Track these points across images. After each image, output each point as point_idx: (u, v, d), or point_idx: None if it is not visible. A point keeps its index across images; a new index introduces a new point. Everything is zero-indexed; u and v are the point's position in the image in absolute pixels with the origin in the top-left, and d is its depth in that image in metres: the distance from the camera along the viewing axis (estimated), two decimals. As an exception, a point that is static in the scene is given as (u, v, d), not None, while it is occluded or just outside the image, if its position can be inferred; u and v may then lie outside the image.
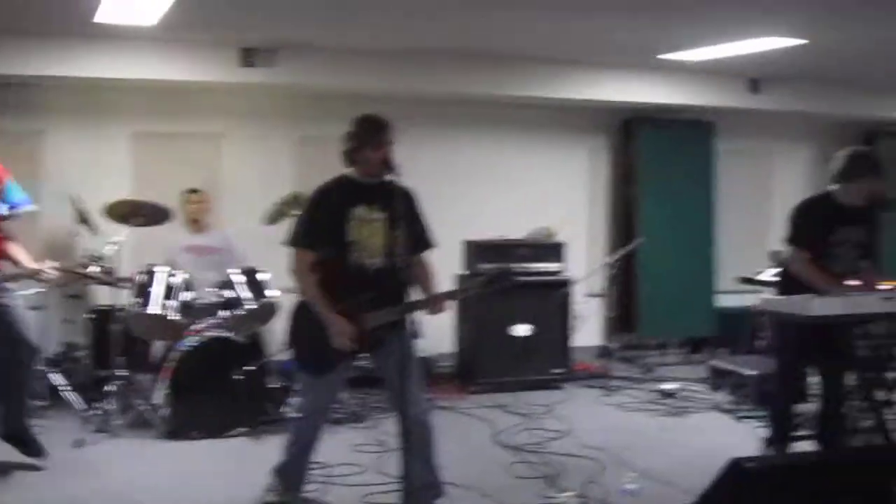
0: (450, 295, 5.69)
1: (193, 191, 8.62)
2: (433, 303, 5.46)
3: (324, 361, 5.47)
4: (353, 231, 5.33)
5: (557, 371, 9.36)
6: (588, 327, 10.42)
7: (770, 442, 6.75)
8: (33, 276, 6.38)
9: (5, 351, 6.32)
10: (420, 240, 5.55)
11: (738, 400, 8.45)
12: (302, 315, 5.48)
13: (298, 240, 5.49)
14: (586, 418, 8.11)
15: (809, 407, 6.81)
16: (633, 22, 7.69)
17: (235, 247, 8.52)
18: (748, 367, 8.57)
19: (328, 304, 5.30)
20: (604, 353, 10.10)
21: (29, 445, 6.44)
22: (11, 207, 6.34)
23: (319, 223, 5.42)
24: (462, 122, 10.36)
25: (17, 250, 6.39)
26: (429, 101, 10.03)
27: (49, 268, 6.35)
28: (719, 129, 11.17)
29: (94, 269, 7.29)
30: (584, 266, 10.43)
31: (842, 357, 6.27)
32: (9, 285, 6.29)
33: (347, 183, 5.54)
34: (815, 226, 6.32)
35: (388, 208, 5.35)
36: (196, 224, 8.56)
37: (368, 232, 5.37)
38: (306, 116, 9.79)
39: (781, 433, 6.69)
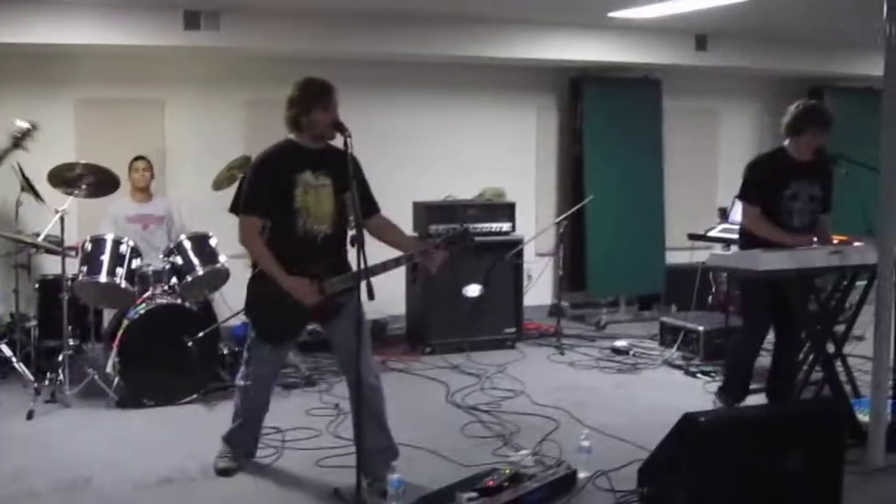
0: (426, 251, 5.56)
1: (138, 158, 8.52)
2: (427, 254, 5.42)
3: (283, 331, 5.46)
4: (300, 198, 5.28)
5: (509, 331, 9.40)
6: (539, 286, 10.47)
7: (725, 394, 6.88)
8: None
9: None
10: (371, 202, 5.51)
11: (689, 355, 8.54)
12: (258, 286, 5.44)
13: (244, 206, 5.43)
14: (539, 377, 8.15)
15: (760, 361, 6.89)
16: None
17: (182, 215, 8.47)
18: (698, 323, 8.66)
19: (282, 268, 5.26)
20: (555, 311, 10.14)
21: None
22: None
23: (264, 189, 5.35)
24: (409, 84, 10.31)
25: None
26: (375, 63, 9.97)
27: None
28: (666, 86, 11.19)
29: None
30: (535, 225, 10.47)
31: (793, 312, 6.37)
32: None
33: (291, 148, 5.46)
34: (765, 181, 6.42)
35: (333, 174, 5.30)
36: (141, 192, 8.48)
37: (315, 198, 5.31)
38: (252, 79, 9.68)
39: (739, 387, 6.82)
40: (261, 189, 5.38)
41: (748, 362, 6.82)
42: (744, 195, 6.55)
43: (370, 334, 5.79)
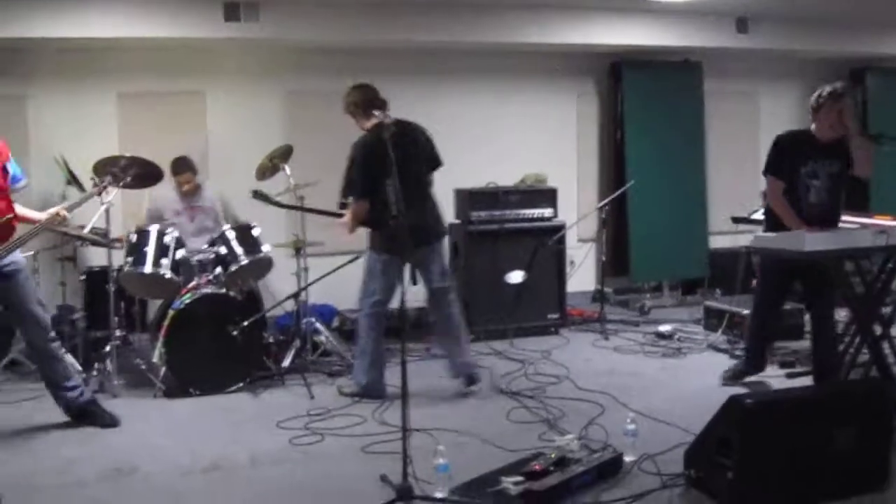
0: None
1: (181, 168, 8.50)
2: None
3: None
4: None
5: (553, 316, 9.39)
6: (582, 272, 10.45)
7: (734, 375, 7.19)
8: (53, 224, 6.32)
9: (24, 332, 6.41)
10: None
11: (733, 339, 8.49)
12: None
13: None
14: (583, 362, 8.14)
15: (804, 344, 6.87)
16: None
17: (228, 206, 8.52)
18: (742, 307, 8.60)
19: None
20: (598, 297, 10.11)
21: (96, 417, 6.46)
22: (16, 180, 6.30)
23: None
24: (449, 72, 10.30)
25: (23, 210, 6.35)
26: (415, 52, 9.98)
27: (61, 209, 6.32)
28: (707, 69, 11.12)
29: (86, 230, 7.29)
30: (576, 211, 10.45)
31: (830, 293, 6.50)
32: (19, 254, 6.23)
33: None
34: (786, 156, 6.57)
35: None
36: (186, 193, 8.53)
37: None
38: (292, 70, 9.75)
39: (749, 366, 7.13)
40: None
41: (759, 341, 7.09)
42: (766, 169, 6.70)
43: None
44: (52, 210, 6.30)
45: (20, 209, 6.29)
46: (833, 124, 6.44)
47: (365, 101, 6.91)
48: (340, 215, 7.07)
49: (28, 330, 6.32)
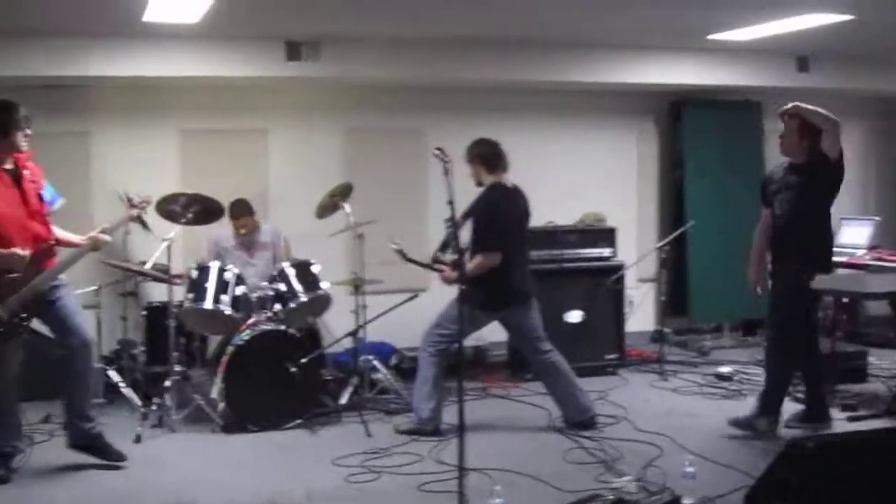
0: None
1: (239, 212, 8.49)
2: None
3: None
4: None
5: (611, 357, 9.34)
6: (641, 312, 10.38)
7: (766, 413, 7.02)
8: (93, 246, 6.39)
9: (62, 348, 6.36)
10: None
11: (794, 381, 8.37)
12: None
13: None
14: (642, 403, 8.08)
15: (868, 387, 6.79)
16: (683, 3, 7.61)
17: (287, 243, 8.56)
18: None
19: None
20: (657, 337, 10.04)
21: (103, 450, 6.44)
22: (51, 202, 6.39)
23: None
24: (509, 110, 10.30)
25: (63, 234, 6.43)
26: (474, 90, 10.00)
27: (99, 233, 6.37)
28: (767, 108, 11.04)
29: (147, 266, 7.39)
30: (635, 251, 10.40)
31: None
32: (62, 278, 6.31)
33: None
34: (766, 185, 7.19)
35: None
36: (244, 236, 8.59)
37: None
38: (353, 107, 9.80)
39: (772, 406, 7.00)
40: None
41: (786, 381, 7.14)
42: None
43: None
44: (92, 233, 6.37)
45: (59, 232, 6.39)
46: (781, 144, 6.88)
47: (494, 156, 7.24)
48: (442, 270, 7.15)
49: (73, 349, 6.26)
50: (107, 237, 6.40)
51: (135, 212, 6.80)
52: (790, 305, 6.77)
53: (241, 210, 8.47)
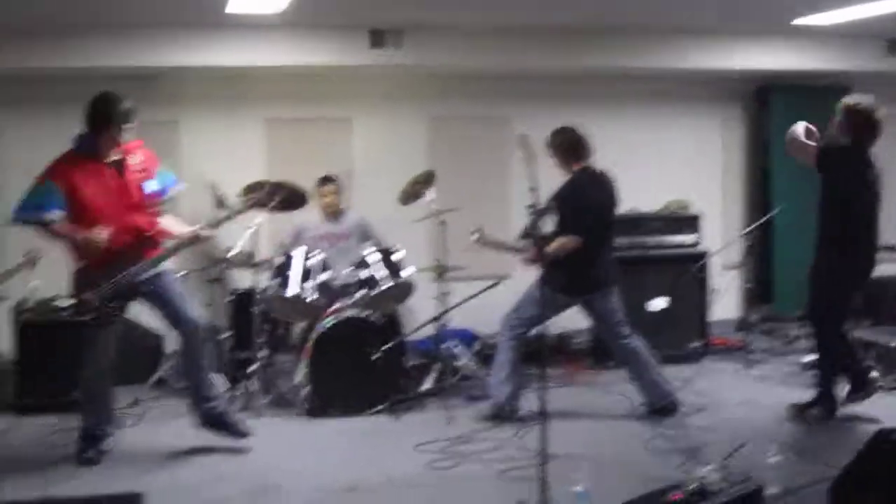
0: None
1: (326, 181, 8.65)
2: None
3: None
4: None
5: (695, 345, 9.26)
6: (725, 300, 10.28)
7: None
8: (194, 240, 6.51)
9: (176, 333, 6.58)
10: None
11: (883, 371, 8.23)
12: None
13: None
14: (726, 392, 8.01)
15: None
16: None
17: (371, 230, 8.60)
18: (893, 338, 8.35)
19: None
20: (742, 325, 9.95)
21: (229, 427, 6.57)
22: (163, 191, 6.51)
23: None
24: (593, 97, 10.25)
25: (171, 223, 6.56)
26: (558, 78, 9.97)
27: (202, 228, 6.49)
28: (857, 93, 10.84)
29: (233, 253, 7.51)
30: (720, 238, 10.29)
31: None
32: (167, 265, 6.45)
33: None
34: None
35: None
36: (331, 213, 8.67)
37: None
38: (436, 95, 9.83)
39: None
40: None
41: (832, 369, 7.18)
42: None
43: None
44: (195, 227, 6.48)
45: (166, 222, 6.52)
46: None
47: (576, 143, 7.24)
48: (525, 251, 7.17)
49: (185, 334, 6.45)
50: (209, 232, 6.52)
51: (236, 212, 6.87)
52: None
53: (327, 180, 8.63)
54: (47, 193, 6.01)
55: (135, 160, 6.29)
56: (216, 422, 6.54)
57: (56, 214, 5.99)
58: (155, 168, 6.44)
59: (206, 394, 6.53)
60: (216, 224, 6.56)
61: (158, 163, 6.52)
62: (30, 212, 6.03)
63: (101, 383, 6.40)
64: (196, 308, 6.52)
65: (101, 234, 5.98)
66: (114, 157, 6.19)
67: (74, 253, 6.15)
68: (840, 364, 7.06)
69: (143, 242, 6.27)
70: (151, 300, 6.41)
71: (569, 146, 7.19)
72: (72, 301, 6.32)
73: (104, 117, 6.06)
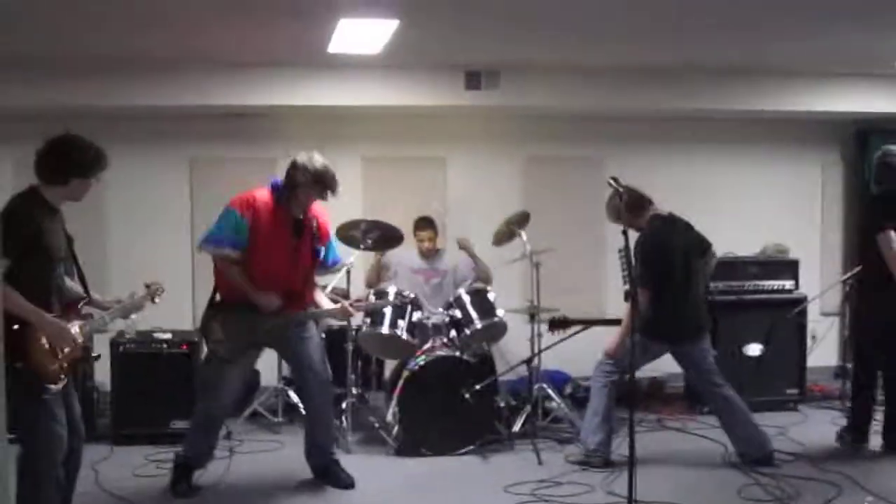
0: None
1: (424, 223, 8.71)
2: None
3: None
4: None
5: (791, 392, 9.09)
6: (823, 347, 10.09)
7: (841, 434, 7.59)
8: (342, 314, 6.79)
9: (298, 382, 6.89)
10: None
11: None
12: None
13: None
14: (822, 440, 7.84)
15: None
16: (870, 30, 7.42)
17: (465, 272, 8.62)
18: None
19: None
20: (840, 373, 9.76)
21: (338, 477, 6.63)
22: (333, 263, 6.67)
23: None
24: (689, 139, 10.20)
25: (318, 295, 6.73)
26: (654, 119, 9.94)
27: (351, 304, 6.73)
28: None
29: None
30: (817, 283, 10.13)
31: None
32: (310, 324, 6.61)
33: None
34: None
35: None
36: (428, 253, 8.73)
37: None
38: (531, 136, 9.84)
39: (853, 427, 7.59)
40: None
41: (855, 402, 7.74)
42: None
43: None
44: (341, 304, 6.67)
45: (318, 294, 6.72)
46: None
47: (632, 202, 6.86)
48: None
49: (309, 384, 6.60)
50: (355, 311, 6.80)
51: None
52: None
53: (426, 223, 8.68)
54: (234, 228, 6.20)
55: (313, 224, 6.44)
56: (325, 471, 6.63)
57: (236, 253, 6.21)
58: (327, 237, 6.59)
59: (322, 444, 6.65)
60: (366, 308, 7.10)
61: (331, 234, 6.74)
62: (210, 245, 6.27)
63: (217, 419, 6.55)
64: (327, 365, 6.65)
65: (273, 303, 6.22)
66: (299, 215, 6.35)
67: (231, 293, 6.33)
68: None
69: (295, 301, 6.43)
70: (285, 344, 6.57)
71: (630, 205, 6.65)
72: (213, 337, 6.43)
73: (309, 178, 6.25)
